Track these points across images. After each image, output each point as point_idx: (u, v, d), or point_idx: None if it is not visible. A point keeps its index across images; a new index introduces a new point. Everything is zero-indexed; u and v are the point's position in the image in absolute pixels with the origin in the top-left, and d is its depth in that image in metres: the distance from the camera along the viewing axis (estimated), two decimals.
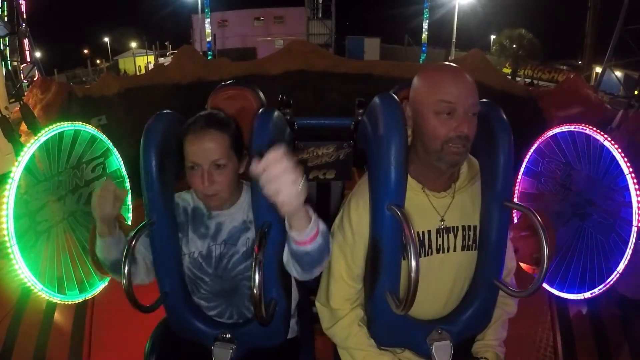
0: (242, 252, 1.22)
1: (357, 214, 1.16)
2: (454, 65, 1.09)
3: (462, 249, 1.18)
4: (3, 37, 5.91)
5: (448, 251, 1.17)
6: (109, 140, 1.79)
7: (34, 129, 3.79)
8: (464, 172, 1.18)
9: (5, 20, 8.24)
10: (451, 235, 1.17)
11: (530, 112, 5.03)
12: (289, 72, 5.99)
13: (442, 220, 1.16)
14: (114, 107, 4.94)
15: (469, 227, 1.18)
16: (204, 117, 1.16)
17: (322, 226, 1.00)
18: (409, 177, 1.13)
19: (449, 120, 1.04)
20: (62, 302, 1.55)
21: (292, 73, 5.99)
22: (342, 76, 6.03)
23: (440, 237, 1.16)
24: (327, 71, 6.05)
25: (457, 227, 1.17)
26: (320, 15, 26.07)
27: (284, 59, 6.11)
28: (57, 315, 1.95)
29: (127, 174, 1.88)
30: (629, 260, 1.41)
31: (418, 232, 1.14)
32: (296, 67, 6.03)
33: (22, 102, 4.05)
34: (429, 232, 1.15)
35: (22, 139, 3.63)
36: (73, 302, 1.59)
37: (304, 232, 0.95)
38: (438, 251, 1.16)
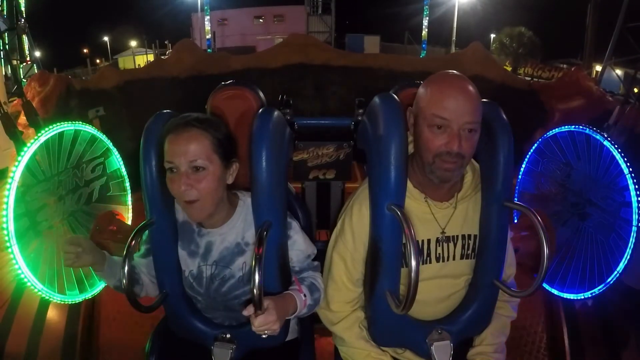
0: (239, 277, 1.17)
1: (359, 217, 1.16)
2: (460, 77, 1.06)
3: (462, 257, 1.18)
4: (2, 32, 5.86)
5: (447, 260, 1.17)
6: (108, 138, 1.79)
7: (36, 126, 3.78)
8: (468, 181, 1.17)
9: (5, 17, 8.21)
10: (451, 244, 1.17)
11: (532, 104, 5.02)
12: (288, 66, 5.95)
13: (443, 232, 1.16)
14: (112, 100, 4.85)
15: (469, 235, 1.18)
16: (187, 116, 1.07)
17: (309, 300, 1.13)
18: (411, 186, 1.13)
19: (441, 134, 1.03)
20: (63, 303, 1.55)
21: (292, 66, 5.95)
22: (341, 69, 6.00)
23: (439, 246, 1.16)
24: (326, 64, 6.02)
25: (457, 236, 1.17)
26: (319, 12, 26.00)
27: (284, 52, 6.08)
28: (50, 312, 1.93)
29: (126, 168, 1.87)
30: (635, 252, 1.41)
31: (418, 240, 1.14)
32: (296, 61, 5.99)
33: (24, 99, 4.02)
34: (429, 240, 1.16)
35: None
36: (73, 303, 1.59)
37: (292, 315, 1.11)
38: (437, 260, 1.17)
